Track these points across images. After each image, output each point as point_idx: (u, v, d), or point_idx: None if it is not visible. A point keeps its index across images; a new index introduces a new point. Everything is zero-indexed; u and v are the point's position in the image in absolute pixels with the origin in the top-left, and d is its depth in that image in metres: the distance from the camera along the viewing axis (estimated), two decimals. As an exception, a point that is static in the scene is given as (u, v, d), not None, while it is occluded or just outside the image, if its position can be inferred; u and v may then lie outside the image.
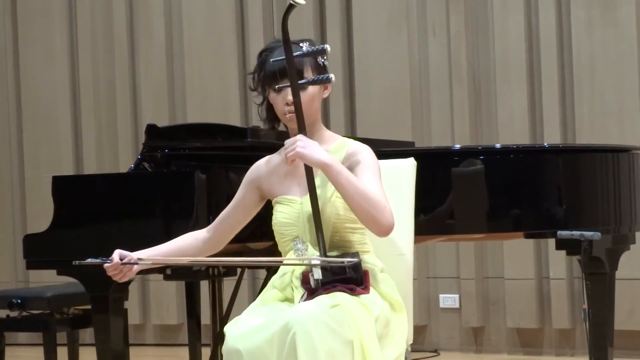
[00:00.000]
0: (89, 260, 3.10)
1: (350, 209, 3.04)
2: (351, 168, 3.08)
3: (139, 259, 3.11)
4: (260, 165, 3.27)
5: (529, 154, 4.37)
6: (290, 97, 3.07)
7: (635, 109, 5.96)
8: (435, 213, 4.14)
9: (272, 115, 3.23)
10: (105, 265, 3.10)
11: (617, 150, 4.48)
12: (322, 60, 3.15)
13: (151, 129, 4.42)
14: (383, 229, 3.00)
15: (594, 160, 4.35)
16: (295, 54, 3.04)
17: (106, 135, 7.20)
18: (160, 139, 4.39)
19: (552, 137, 6.07)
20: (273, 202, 3.20)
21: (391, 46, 6.49)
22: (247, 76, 3.30)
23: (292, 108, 3.07)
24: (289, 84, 3.04)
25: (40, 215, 6.55)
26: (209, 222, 3.43)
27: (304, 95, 3.10)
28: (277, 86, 3.11)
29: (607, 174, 4.37)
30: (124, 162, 6.92)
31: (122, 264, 3.09)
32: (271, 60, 3.10)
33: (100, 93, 7.22)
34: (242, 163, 4.14)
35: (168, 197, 4.01)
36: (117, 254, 3.11)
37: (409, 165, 3.46)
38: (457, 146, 5.44)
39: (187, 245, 3.25)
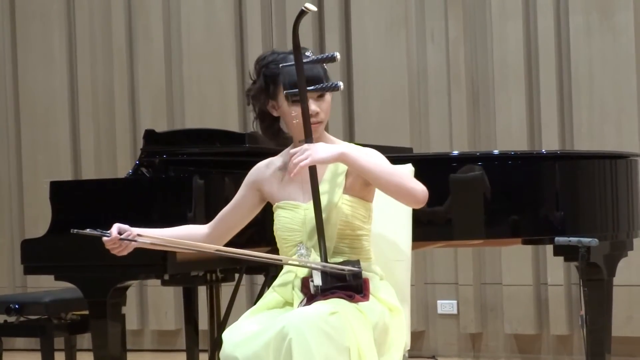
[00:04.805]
0: (88, 230, 3.03)
1: (381, 190, 3.03)
2: None
3: (139, 235, 3.09)
4: (261, 168, 3.24)
5: (527, 160, 4.37)
6: (314, 108, 3.06)
7: (634, 115, 5.96)
8: (433, 219, 4.14)
9: (275, 129, 3.19)
10: (104, 238, 3.06)
11: (615, 156, 4.48)
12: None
13: (149, 134, 4.42)
14: (420, 198, 2.99)
15: (592, 166, 4.35)
16: (305, 61, 3.03)
17: (104, 140, 7.20)
18: (158, 144, 4.40)
19: (550, 143, 6.07)
20: (274, 206, 3.17)
21: (390, 52, 6.48)
22: (247, 86, 3.23)
23: (316, 119, 3.07)
24: (299, 90, 3.00)
25: (39, 220, 6.54)
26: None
27: (325, 104, 3.11)
28: (288, 92, 3.04)
29: (605, 180, 4.37)
30: (122, 167, 6.90)
31: (121, 239, 3.06)
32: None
33: (99, 98, 7.22)
34: (240, 168, 4.14)
35: (166, 202, 4.00)
36: (115, 227, 3.08)
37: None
38: (455, 152, 5.45)
39: (186, 237, 3.20)
